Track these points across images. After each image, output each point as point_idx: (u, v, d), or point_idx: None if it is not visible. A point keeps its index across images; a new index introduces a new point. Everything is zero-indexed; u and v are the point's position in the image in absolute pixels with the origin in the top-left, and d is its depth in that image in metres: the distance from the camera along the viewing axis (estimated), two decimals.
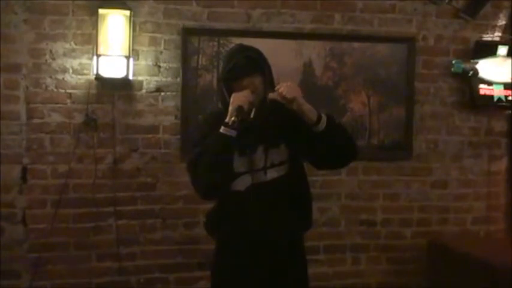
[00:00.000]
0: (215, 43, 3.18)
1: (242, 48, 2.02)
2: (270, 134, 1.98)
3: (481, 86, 3.46)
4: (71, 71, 3.04)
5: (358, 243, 3.44)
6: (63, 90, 3.04)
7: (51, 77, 3.02)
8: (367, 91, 3.38)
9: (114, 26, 2.95)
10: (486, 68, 3.43)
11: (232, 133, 1.85)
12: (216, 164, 1.87)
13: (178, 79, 3.15)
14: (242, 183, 1.96)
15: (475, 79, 3.44)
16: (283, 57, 3.23)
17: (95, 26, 2.94)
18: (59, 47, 3.02)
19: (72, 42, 3.03)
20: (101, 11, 2.93)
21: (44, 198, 3.03)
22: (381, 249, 3.46)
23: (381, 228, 3.46)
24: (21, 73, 2.99)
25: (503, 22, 3.54)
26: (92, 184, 3.07)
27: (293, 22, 3.28)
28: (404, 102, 3.43)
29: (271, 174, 1.97)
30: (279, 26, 3.26)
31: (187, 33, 3.14)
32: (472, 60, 3.44)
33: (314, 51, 3.30)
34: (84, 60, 3.04)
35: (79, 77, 3.05)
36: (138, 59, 3.10)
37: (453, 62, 3.44)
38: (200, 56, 3.17)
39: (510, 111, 3.58)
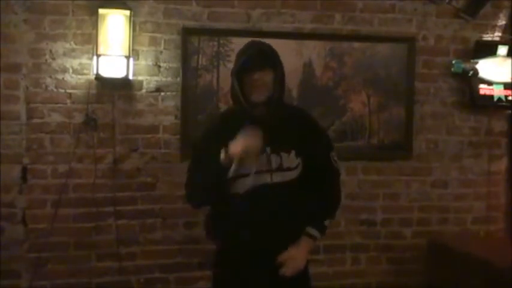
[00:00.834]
0: (215, 43, 3.18)
1: (256, 42, 2.03)
2: (280, 138, 1.96)
3: (481, 86, 3.46)
4: (71, 70, 3.04)
5: (358, 243, 3.44)
6: (63, 90, 3.04)
7: (51, 77, 3.02)
8: (367, 91, 3.38)
9: (114, 25, 2.95)
10: (486, 68, 3.43)
11: (229, 166, 1.87)
12: (208, 188, 1.93)
13: (178, 79, 3.15)
14: (242, 186, 1.94)
15: (475, 79, 3.44)
16: (283, 57, 3.11)
17: (95, 25, 2.94)
18: (59, 46, 3.02)
19: (72, 42, 3.03)
20: (101, 10, 2.93)
21: (44, 198, 3.03)
22: (380, 249, 3.47)
23: (380, 228, 3.46)
24: (21, 73, 2.99)
25: (503, 22, 3.54)
26: (92, 184, 3.07)
27: (293, 22, 3.28)
28: (404, 102, 3.43)
29: (275, 177, 1.95)
30: (279, 26, 3.26)
31: (187, 33, 3.14)
32: (472, 60, 3.44)
33: (314, 51, 3.30)
34: (84, 60, 3.04)
35: (79, 76, 3.05)
36: (138, 59, 3.10)
37: (453, 62, 3.44)
38: (200, 56, 3.17)
39: (510, 111, 3.58)
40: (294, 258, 1.97)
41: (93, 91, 3.06)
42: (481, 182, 3.58)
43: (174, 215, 3.18)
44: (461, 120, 3.54)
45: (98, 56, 2.92)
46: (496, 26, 3.53)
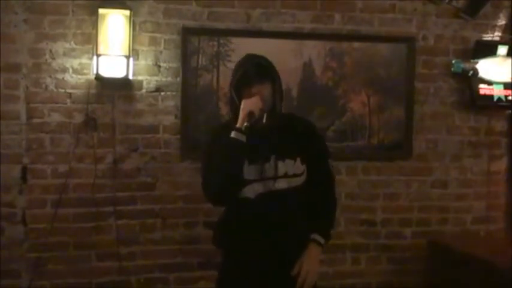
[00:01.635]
0: (215, 43, 3.18)
1: (253, 56, 2.07)
2: (284, 146, 2.01)
3: (481, 85, 3.46)
4: (70, 70, 3.04)
5: (358, 242, 3.44)
6: (63, 90, 3.04)
7: (51, 77, 3.02)
8: (367, 91, 3.38)
9: (114, 25, 2.95)
10: (486, 67, 3.43)
11: (243, 138, 1.89)
12: (227, 169, 1.90)
13: (178, 79, 3.16)
14: (252, 191, 1.98)
15: (475, 79, 3.44)
16: (283, 57, 3.23)
17: (95, 25, 2.94)
18: (59, 46, 3.02)
19: (72, 42, 3.03)
20: (100, 10, 2.93)
21: (44, 198, 3.03)
22: (381, 249, 3.46)
23: (381, 228, 3.46)
24: (21, 73, 2.99)
25: (503, 22, 3.54)
26: (92, 184, 3.07)
27: (293, 22, 3.28)
28: (404, 102, 3.43)
29: (282, 184, 1.98)
30: (278, 26, 3.26)
31: (187, 33, 3.14)
32: (472, 60, 3.44)
33: (314, 51, 3.30)
34: (84, 60, 3.04)
35: (79, 76, 3.05)
36: (138, 59, 3.10)
37: (453, 61, 3.44)
38: (200, 56, 3.17)
39: (510, 111, 3.58)
40: (307, 270, 2.01)
41: (93, 91, 3.06)
42: (481, 182, 3.58)
43: (174, 215, 3.18)
44: (461, 120, 3.54)
45: (98, 55, 2.92)
46: (496, 25, 3.53)
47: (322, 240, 2.08)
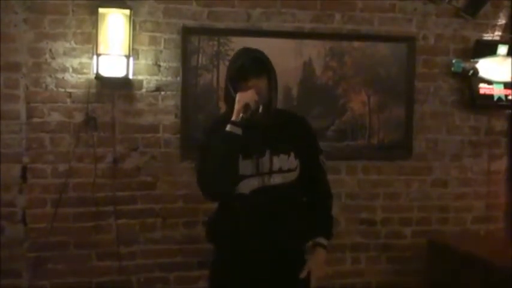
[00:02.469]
0: (215, 42, 3.18)
1: (249, 50, 2.05)
2: (279, 140, 2.01)
3: (481, 85, 3.46)
4: (71, 70, 3.04)
5: (358, 242, 3.44)
6: (63, 90, 3.04)
7: (51, 76, 3.02)
8: (367, 90, 3.38)
9: (114, 25, 2.95)
10: (486, 67, 3.43)
11: (238, 131, 1.88)
12: (223, 162, 1.89)
13: (178, 78, 3.16)
14: (246, 186, 1.97)
15: (475, 78, 3.44)
16: (283, 57, 3.23)
17: (95, 25, 2.94)
18: (59, 46, 3.02)
19: (72, 42, 3.03)
20: (101, 10, 2.93)
21: (44, 198, 3.03)
22: (381, 249, 3.47)
23: (381, 227, 3.46)
24: (21, 72, 2.99)
25: (503, 21, 3.54)
26: (92, 183, 3.07)
27: (293, 21, 3.28)
28: (404, 101, 3.43)
29: (277, 179, 1.98)
30: (279, 25, 3.25)
31: (187, 32, 3.14)
32: (472, 60, 3.44)
33: (314, 50, 3.30)
34: (84, 60, 3.04)
35: (79, 76, 3.05)
36: (138, 58, 3.10)
37: (453, 61, 3.44)
38: (200, 55, 3.17)
39: (510, 111, 3.58)
40: (317, 276, 2.05)
41: (93, 90, 3.06)
42: (481, 182, 3.58)
43: (174, 215, 3.19)
44: (461, 119, 3.54)
45: (98, 55, 2.92)
46: (496, 25, 3.53)
47: (326, 242, 2.11)
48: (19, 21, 2.96)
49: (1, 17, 2.94)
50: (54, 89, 3.03)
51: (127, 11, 2.97)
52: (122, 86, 3.08)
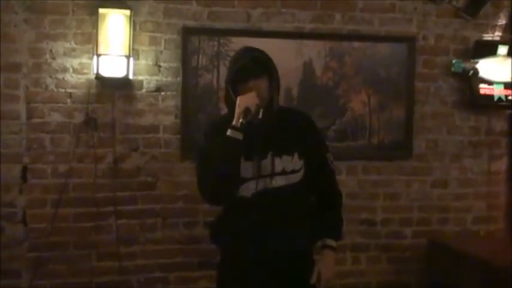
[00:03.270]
0: (215, 43, 3.18)
1: (249, 49, 2.00)
2: (281, 141, 1.96)
3: (481, 85, 3.46)
4: (71, 70, 3.04)
5: (359, 242, 3.44)
6: (63, 90, 3.04)
7: (51, 77, 3.02)
8: (367, 90, 3.38)
9: (114, 25, 2.95)
10: (486, 67, 3.43)
11: (239, 136, 1.84)
12: (223, 168, 1.85)
13: (179, 79, 3.15)
14: (248, 189, 1.94)
15: (475, 79, 3.44)
16: (284, 57, 3.21)
17: (95, 25, 2.94)
18: (59, 46, 3.02)
19: (72, 42, 3.03)
20: (101, 10, 2.93)
21: (44, 198, 3.03)
22: (381, 249, 3.47)
23: (381, 227, 3.46)
24: (21, 72, 2.99)
25: (504, 21, 3.54)
26: (92, 184, 3.07)
27: (293, 22, 3.28)
28: (404, 101, 3.43)
29: (280, 181, 1.94)
30: (279, 26, 3.25)
31: (187, 32, 3.14)
32: (472, 60, 3.44)
33: (314, 50, 3.30)
34: (85, 60, 3.04)
35: (79, 76, 3.05)
36: (138, 59, 3.10)
37: (453, 61, 3.44)
38: (200, 56, 3.17)
39: (510, 111, 3.58)
40: (327, 278, 2.02)
41: (94, 91, 3.06)
42: (481, 182, 3.58)
43: (174, 215, 3.19)
44: (461, 119, 3.54)
45: (98, 55, 2.92)
46: (496, 25, 3.53)
47: (334, 244, 2.07)
48: (19, 21, 2.96)
49: (1, 17, 2.94)
50: (55, 89, 3.03)
51: (127, 11, 2.97)
52: (122, 86, 3.08)
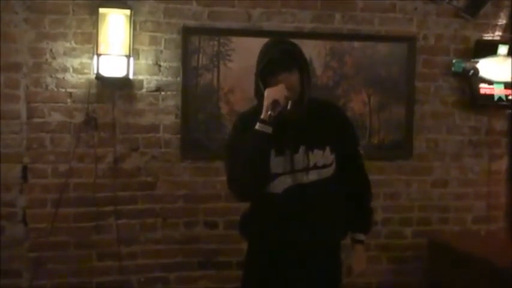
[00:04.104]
0: (215, 42, 3.18)
1: (278, 41, 1.96)
2: (313, 135, 1.92)
3: (482, 85, 3.46)
4: (71, 70, 3.04)
5: None
6: (63, 90, 3.04)
7: (51, 76, 3.02)
8: (368, 90, 3.38)
9: (115, 25, 2.95)
10: (486, 67, 3.43)
11: (268, 130, 1.80)
12: (253, 163, 1.81)
13: (179, 78, 3.15)
14: (279, 185, 1.90)
15: (475, 78, 3.43)
16: None
17: (96, 25, 2.94)
18: (60, 46, 3.02)
19: (72, 42, 3.03)
20: (101, 10, 2.93)
21: (45, 198, 3.04)
22: (381, 249, 3.46)
23: (381, 227, 3.46)
24: (21, 72, 2.99)
25: (504, 21, 3.54)
26: (93, 183, 3.07)
27: (293, 21, 3.28)
28: (404, 101, 3.43)
29: (312, 176, 1.90)
30: (279, 25, 3.25)
31: (187, 32, 3.14)
32: (472, 60, 3.44)
33: (314, 50, 3.29)
34: (85, 60, 3.04)
35: (79, 76, 3.05)
36: (138, 58, 3.10)
37: (453, 61, 3.44)
38: (200, 55, 3.17)
39: (510, 111, 3.58)
40: (359, 272, 2.06)
41: (94, 90, 3.06)
42: (482, 182, 3.57)
43: (175, 215, 3.19)
44: (461, 119, 3.54)
45: (98, 55, 2.92)
46: (496, 25, 3.53)
47: (364, 237, 2.07)
48: (19, 21, 2.97)
49: (1, 17, 2.94)
50: (55, 89, 3.03)
51: (127, 11, 2.97)
52: (122, 86, 3.08)
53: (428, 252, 3.36)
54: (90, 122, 3.06)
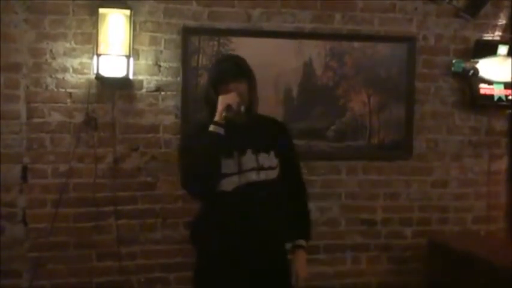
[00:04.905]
0: (215, 42, 3.18)
1: (229, 56, 2.24)
2: (259, 140, 2.10)
3: (482, 85, 3.46)
4: (71, 70, 3.04)
5: (359, 242, 3.44)
6: (63, 90, 3.04)
7: (51, 77, 3.02)
8: (368, 90, 3.38)
9: (115, 25, 2.95)
10: (486, 67, 3.43)
11: (221, 131, 1.97)
12: (206, 159, 1.96)
13: (179, 78, 3.16)
14: (229, 184, 2.04)
15: (475, 78, 3.44)
16: (283, 57, 3.23)
17: (95, 25, 2.94)
18: (59, 46, 3.02)
19: (72, 42, 3.03)
20: (101, 10, 2.93)
21: (44, 198, 3.03)
22: (381, 249, 3.47)
23: (381, 227, 3.46)
24: (21, 72, 2.99)
25: (504, 21, 3.54)
26: (92, 183, 3.07)
27: (293, 21, 3.28)
28: (404, 101, 3.43)
29: (258, 176, 2.06)
30: (279, 26, 3.25)
31: (187, 32, 3.14)
32: (472, 60, 3.44)
33: (314, 50, 3.30)
34: (85, 60, 3.04)
35: (79, 76, 3.05)
36: (138, 59, 3.10)
37: (453, 61, 3.44)
38: (200, 56, 3.17)
39: (510, 111, 3.58)
40: (303, 277, 2.16)
41: (94, 91, 3.06)
42: (482, 182, 3.58)
43: (175, 215, 3.18)
44: (461, 119, 3.54)
45: (98, 55, 2.92)
46: (496, 25, 3.53)
47: (305, 244, 2.22)
48: (19, 21, 2.97)
49: (1, 17, 2.94)
50: (55, 89, 3.03)
51: (127, 11, 2.97)
52: (122, 86, 3.08)
53: (428, 253, 3.35)
54: (90, 122, 3.06)
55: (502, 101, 3.49)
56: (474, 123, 3.56)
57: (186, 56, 3.14)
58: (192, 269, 2.23)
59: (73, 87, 3.05)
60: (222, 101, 2.00)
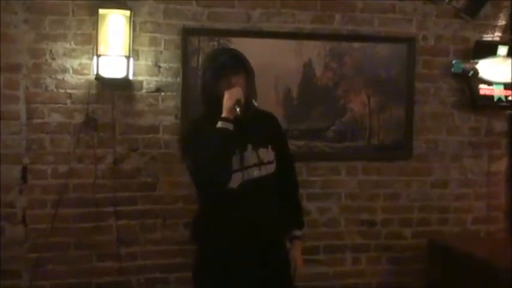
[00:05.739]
0: (215, 43, 3.17)
1: (225, 49, 2.16)
2: (257, 135, 2.09)
3: (481, 86, 3.46)
4: (71, 71, 3.04)
5: (358, 243, 3.44)
6: (63, 90, 3.04)
7: (51, 77, 3.02)
8: (367, 91, 3.38)
9: (114, 26, 2.94)
10: (486, 68, 3.43)
11: (230, 127, 1.94)
12: (222, 158, 1.93)
13: (179, 79, 3.16)
14: (234, 181, 2.02)
15: (475, 79, 3.44)
16: (283, 57, 3.23)
17: (95, 26, 2.94)
18: (59, 47, 3.02)
19: (72, 42, 3.03)
20: (101, 11, 2.93)
21: (44, 198, 3.03)
22: (381, 249, 3.47)
23: (381, 228, 3.46)
24: (21, 73, 2.99)
25: (504, 22, 3.54)
26: (92, 184, 3.07)
27: (293, 22, 3.28)
28: (404, 102, 3.43)
29: (259, 171, 2.06)
30: (279, 26, 3.25)
31: (187, 33, 3.14)
32: (472, 60, 3.44)
33: (314, 51, 3.30)
34: (84, 60, 3.04)
35: (79, 77, 3.05)
36: (138, 59, 3.10)
37: (453, 62, 3.44)
38: (200, 56, 3.17)
39: (510, 111, 3.59)
40: (300, 265, 2.22)
41: (93, 91, 3.06)
42: (481, 182, 3.58)
43: (174, 215, 3.18)
44: (461, 120, 3.54)
45: (98, 56, 2.92)
46: (496, 26, 3.53)
47: (300, 233, 2.25)
48: (19, 21, 2.96)
49: (1, 17, 2.93)
50: (55, 90, 3.03)
51: (127, 12, 2.97)
52: (122, 87, 3.08)
53: (428, 253, 3.36)
54: (90, 123, 3.06)
55: (502, 101, 3.49)
56: (474, 124, 3.56)
57: (185, 57, 3.14)
58: (191, 269, 2.22)
59: (73, 87, 3.05)
60: (229, 96, 1.94)
